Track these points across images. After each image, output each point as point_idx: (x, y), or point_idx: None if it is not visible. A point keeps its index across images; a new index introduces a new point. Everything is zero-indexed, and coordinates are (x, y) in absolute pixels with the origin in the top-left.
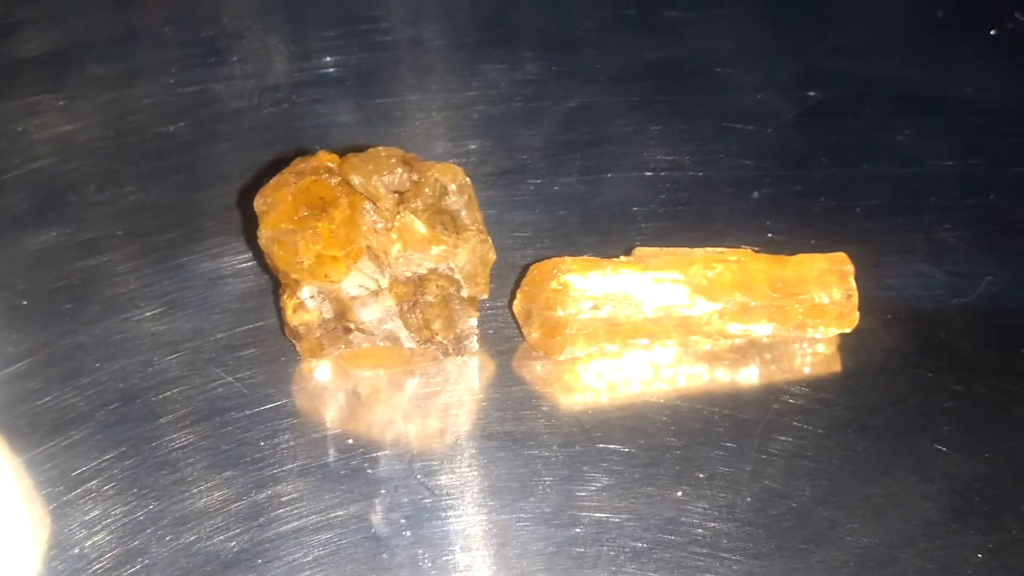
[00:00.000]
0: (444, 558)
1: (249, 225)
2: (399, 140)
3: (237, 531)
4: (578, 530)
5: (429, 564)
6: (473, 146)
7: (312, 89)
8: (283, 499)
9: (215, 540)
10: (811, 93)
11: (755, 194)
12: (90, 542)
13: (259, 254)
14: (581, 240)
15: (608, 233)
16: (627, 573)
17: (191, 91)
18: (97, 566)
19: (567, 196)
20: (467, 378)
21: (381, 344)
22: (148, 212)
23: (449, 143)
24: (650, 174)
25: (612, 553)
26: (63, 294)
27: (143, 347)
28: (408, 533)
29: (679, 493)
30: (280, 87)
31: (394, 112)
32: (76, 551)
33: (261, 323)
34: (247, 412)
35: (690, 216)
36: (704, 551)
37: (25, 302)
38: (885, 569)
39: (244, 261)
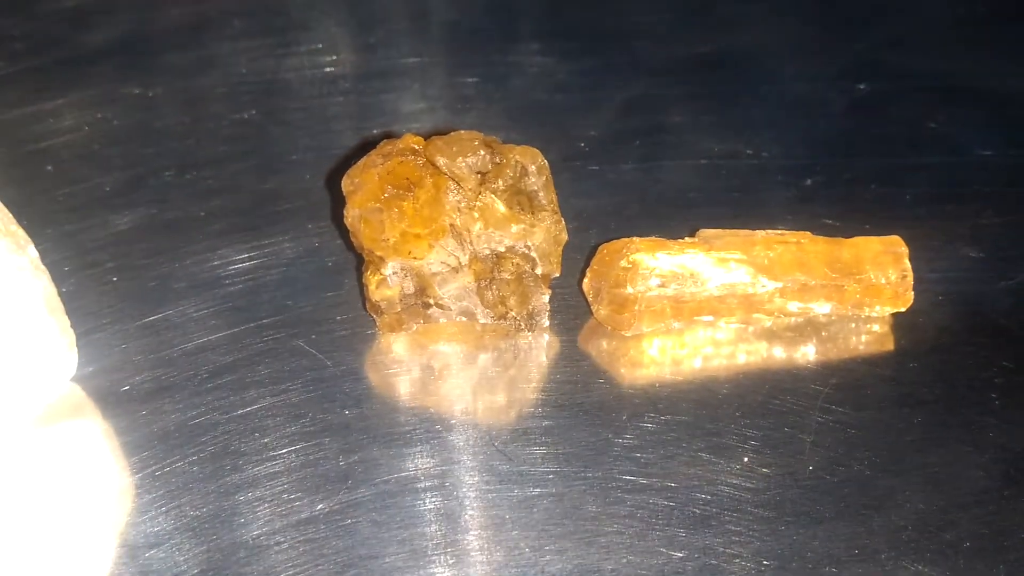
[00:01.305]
0: (524, 519)
1: (325, 206)
2: (460, 128)
3: (326, 493)
4: (647, 495)
5: (510, 525)
6: (532, 134)
7: (377, 80)
8: (367, 463)
9: (305, 501)
10: (860, 85)
11: (808, 181)
12: (188, 502)
13: (336, 234)
14: (641, 224)
15: (667, 217)
16: (695, 536)
17: (262, 80)
18: (195, 524)
19: (627, 182)
20: (538, 352)
21: (457, 319)
22: (226, 194)
23: (509, 132)
24: (705, 162)
25: (682, 516)
26: (150, 271)
27: (229, 322)
28: (491, 496)
29: (744, 460)
30: (347, 77)
31: (455, 102)
32: (175, 512)
33: (340, 299)
34: (330, 383)
35: (746, 202)
36: (770, 515)
37: (115, 278)
38: (941, 533)
39: (320, 241)
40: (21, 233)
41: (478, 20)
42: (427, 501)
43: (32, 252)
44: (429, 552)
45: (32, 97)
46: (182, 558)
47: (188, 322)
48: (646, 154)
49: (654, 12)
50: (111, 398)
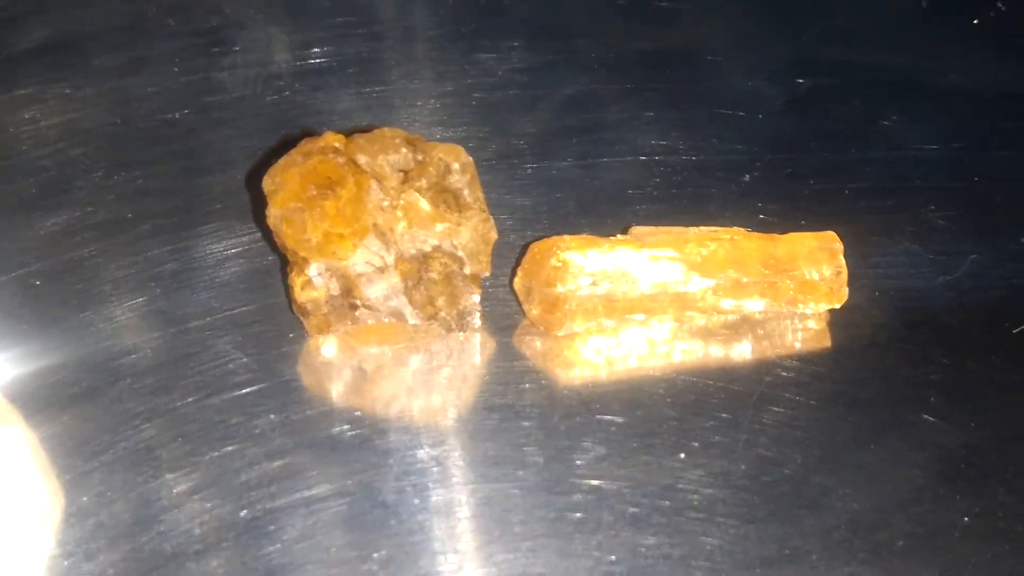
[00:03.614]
0: (451, 524)
1: (255, 207)
2: (398, 126)
3: (249, 500)
4: (578, 497)
5: (437, 530)
6: (470, 132)
7: (312, 78)
8: (293, 469)
9: (227, 508)
10: (800, 80)
11: (746, 177)
12: (106, 511)
13: (266, 235)
14: (578, 222)
15: (604, 215)
16: (626, 537)
17: (194, 80)
18: (113, 533)
19: (563, 180)
20: (470, 353)
21: (386, 320)
22: (156, 196)
23: (447, 129)
24: (644, 158)
25: (611, 518)
26: (74, 274)
27: (154, 324)
28: (416, 501)
29: (676, 461)
30: (281, 76)
31: (392, 99)
32: (93, 520)
33: (269, 301)
34: (257, 387)
35: (684, 199)
36: (700, 516)
37: (38, 282)
38: (875, 533)
39: (251, 242)
40: None
41: (415, 18)
42: (352, 507)
43: None
44: (352, 560)
45: None
46: (102, 566)
47: (111, 325)
48: (584, 151)
49: (593, 9)
50: (32, 405)
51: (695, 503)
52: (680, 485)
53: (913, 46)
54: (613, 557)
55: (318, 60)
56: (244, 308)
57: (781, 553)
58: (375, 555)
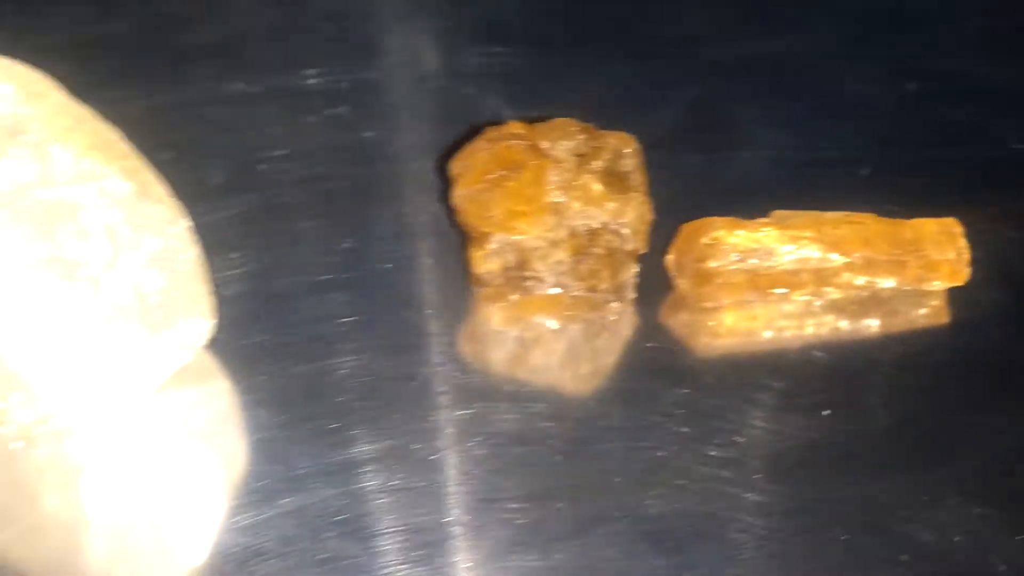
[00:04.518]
0: (623, 468)
1: (424, 191)
2: None
3: (446, 440)
4: (728, 450)
5: (611, 473)
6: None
7: (460, 80)
8: (463, 420)
9: (425, 447)
10: (910, 86)
11: (865, 172)
12: (298, 462)
13: (437, 215)
14: (714, 209)
15: (737, 203)
16: (777, 485)
17: (351, 80)
18: (304, 482)
19: (696, 173)
20: (626, 323)
21: (552, 292)
22: (328, 181)
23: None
24: (768, 153)
25: (766, 464)
26: (267, 250)
27: (340, 291)
28: (593, 449)
29: (818, 419)
30: (431, 78)
31: (533, 103)
32: (281, 470)
33: (444, 273)
34: (437, 351)
35: (808, 189)
36: (850, 464)
37: (234, 255)
38: (1002, 482)
39: (424, 221)
40: (177, 205)
41: (550, 29)
42: (539, 449)
43: (183, 223)
44: (538, 495)
45: (144, 93)
46: (288, 506)
47: (301, 292)
48: (713, 147)
49: (716, 19)
50: (233, 363)
51: (842, 455)
52: (830, 438)
53: (1012, 56)
54: (767, 499)
55: (464, 66)
56: (420, 279)
57: (920, 498)
58: (566, 493)
